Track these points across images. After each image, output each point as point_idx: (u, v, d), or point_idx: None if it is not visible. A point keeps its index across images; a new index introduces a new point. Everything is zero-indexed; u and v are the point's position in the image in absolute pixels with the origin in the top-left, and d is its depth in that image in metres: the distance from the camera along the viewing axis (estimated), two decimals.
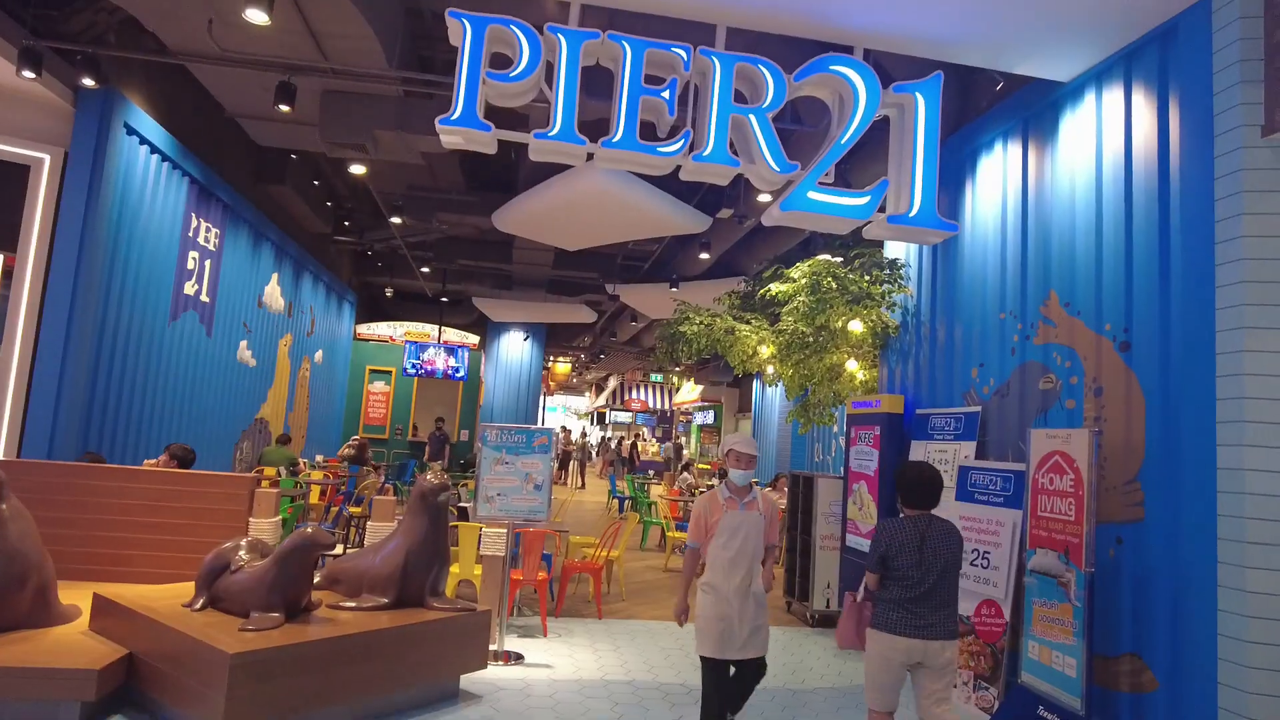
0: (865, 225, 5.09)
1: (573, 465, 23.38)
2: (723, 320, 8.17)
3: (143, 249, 8.08)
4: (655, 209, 8.67)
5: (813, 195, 4.84)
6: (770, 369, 9.00)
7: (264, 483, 9.30)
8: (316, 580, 4.99)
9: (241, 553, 4.57)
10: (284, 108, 6.54)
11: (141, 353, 8.21)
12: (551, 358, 27.46)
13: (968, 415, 6.18)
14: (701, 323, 8.11)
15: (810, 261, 7.42)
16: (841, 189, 4.93)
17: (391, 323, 18.28)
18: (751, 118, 4.79)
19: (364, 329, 18.10)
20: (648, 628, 7.07)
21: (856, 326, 7.48)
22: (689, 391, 28.51)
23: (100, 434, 7.58)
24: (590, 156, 4.77)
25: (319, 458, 13.97)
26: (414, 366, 16.64)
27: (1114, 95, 5.03)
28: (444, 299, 16.20)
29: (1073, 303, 5.27)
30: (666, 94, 4.75)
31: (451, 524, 6.92)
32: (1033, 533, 4.89)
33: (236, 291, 10.68)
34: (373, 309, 19.13)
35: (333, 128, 7.41)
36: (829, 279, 7.17)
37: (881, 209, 5.03)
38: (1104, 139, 5.06)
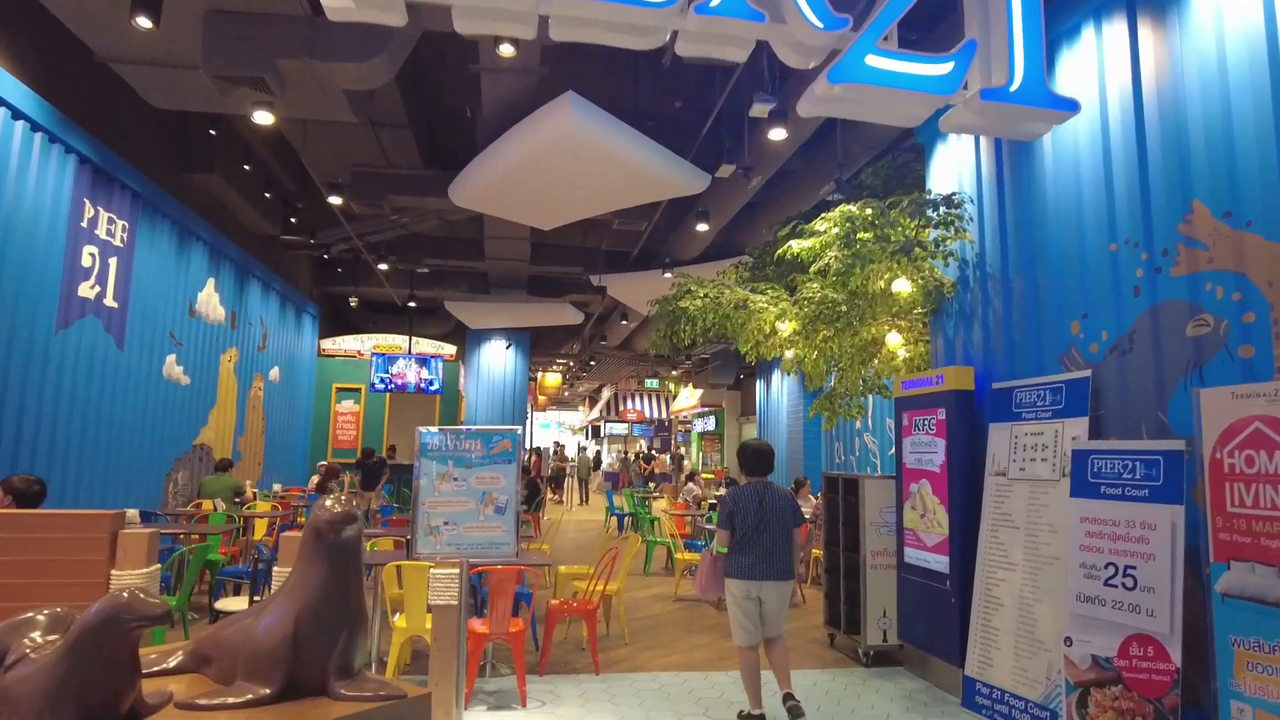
0: (944, 112, 3.57)
1: (569, 483, 21.82)
2: (732, 292, 6.63)
3: (7, 237, 6.50)
4: (642, 163, 7.17)
5: (873, 61, 3.32)
6: (790, 352, 7.45)
7: (209, 514, 7.79)
8: (177, 661, 3.40)
9: (36, 632, 2.96)
10: (144, 23, 4.99)
11: (13, 370, 6.61)
12: (540, 370, 25.89)
13: (1072, 384, 4.65)
14: (707, 295, 6.56)
15: (840, 209, 5.90)
16: (911, 53, 3.40)
17: (359, 336, 16.69)
18: None
19: (328, 344, 16.51)
20: (658, 682, 5.48)
21: (903, 287, 5.95)
22: (687, 397, 26.94)
23: None
24: (544, 20, 3.24)
25: (277, 486, 12.35)
26: (382, 381, 15.05)
27: None
28: (412, 304, 14.64)
29: (1236, 211, 3.75)
30: None
31: (392, 565, 5.35)
32: (1220, 539, 3.34)
33: (157, 297, 9.09)
34: (337, 322, 17.55)
35: (219, 56, 5.84)
36: (866, 230, 5.65)
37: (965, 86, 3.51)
38: None
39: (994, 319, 5.52)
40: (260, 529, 8.74)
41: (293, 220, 11.86)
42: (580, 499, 22.13)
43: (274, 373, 13.61)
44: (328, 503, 3.48)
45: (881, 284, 5.92)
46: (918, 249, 5.62)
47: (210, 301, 10.66)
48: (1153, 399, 4.13)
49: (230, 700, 3.02)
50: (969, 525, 5.24)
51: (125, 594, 2.72)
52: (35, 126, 6.76)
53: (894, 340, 6.77)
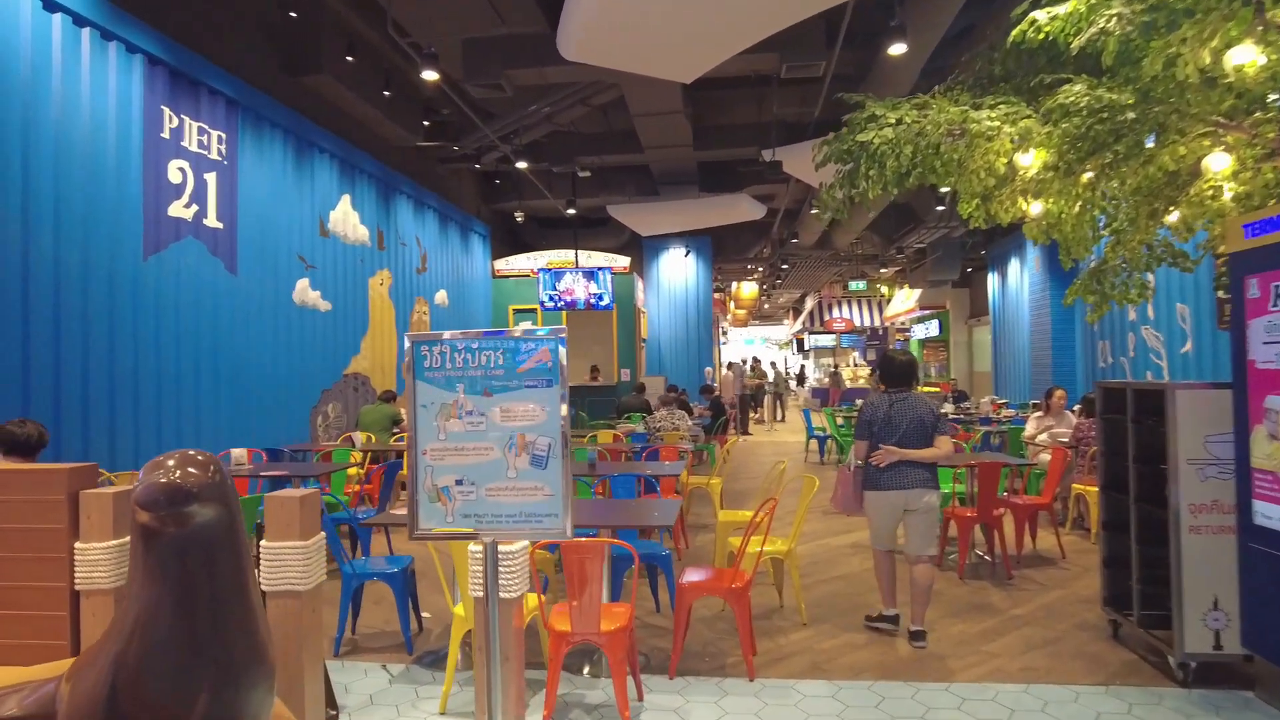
0: None
1: (768, 400, 20.00)
2: (941, 112, 4.30)
3: (66, 153, 5.72)
4: None
5: None
6: (1036, 206, 5.01)
7: (331, 452, 6.88)
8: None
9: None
10: None
11: (94, 302, 5.92)
12: (733, 281, 23.93)
13: None
14: (902, 122, 4.29)
15: None
16: None
17: (531, 254, 15.72)
18: None
19: (501, 264, 15.71)
20: (845, 696, 3.66)
21: (1245, 58, 3.41)
22: (903, 300, 23.78)
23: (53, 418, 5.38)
24: None
25: None
26: (551, 299, 13.95)
27: None
28: (571, 210, 13.27)
29: None
30: None
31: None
32: None
33: (276, 216, 8.31)
34: (511, 241, 16.70)
35: None
36: None
37: None
38: None
39: None
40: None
41: (425, 124, 10.73)
42: (778, 417, 20.27)
43: (440, 296, 12.93)
44: (156, 469, 2.01)
45: (1204, 60, 3.41)
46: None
47: (347, 220, 9.88)
48: None
49: None
50: None
51: None
52: (80, 20, 5.87)
53: (1219, 164, 4.15)
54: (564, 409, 2.62)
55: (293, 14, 8.12)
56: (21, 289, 5.34)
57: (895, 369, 4.52)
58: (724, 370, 17.92)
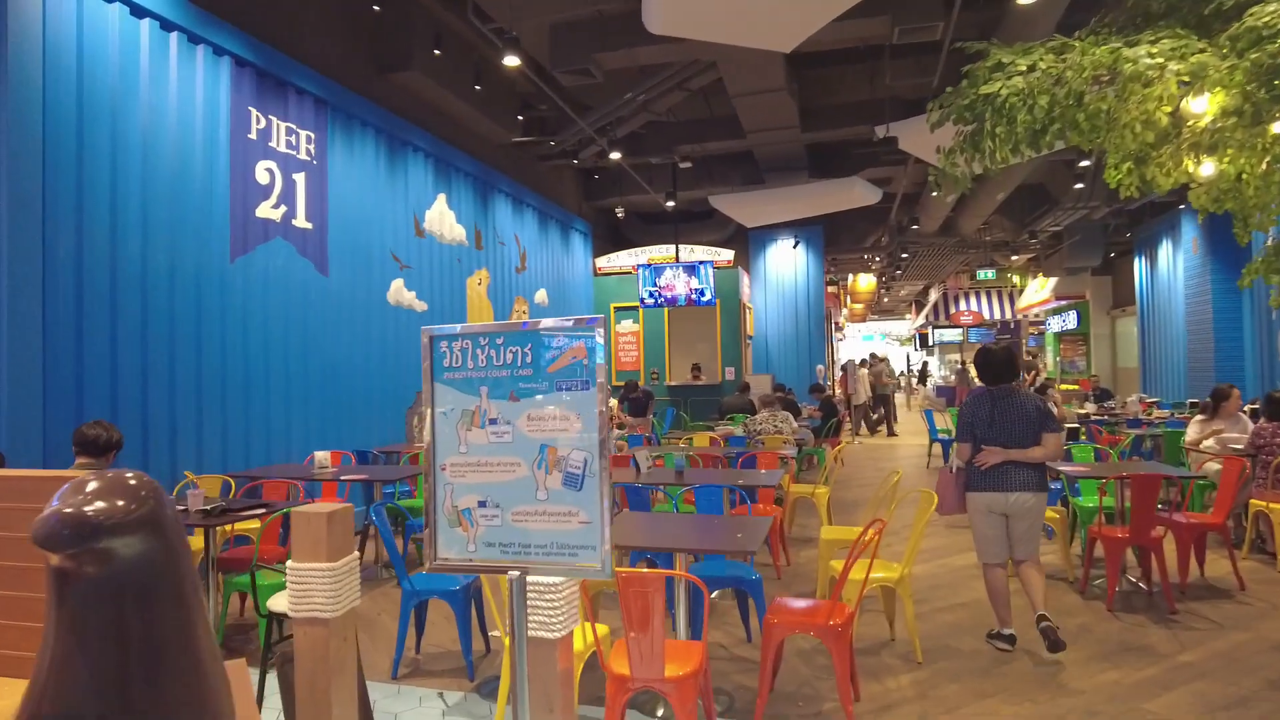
0: None
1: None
2: (1084, 54, 3.50)
3: (153, 156, 5.74)
4: None
5: None
6: (1208, 166, 4.12)
7: (419, 454, 6.52)
8: None
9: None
10: None
11: (181, 308, 5.92)
12: (849, 274, 22.78)
13: None
14: (1035, 68, 3.52)
15: None
16: None
17: (632, 250, 15.35)
18: None
19: (603, 262, 15.42)
20: None
21: None
22: (1037, 290, 21.96)
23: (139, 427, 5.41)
24: None
25: None
26: (651, 295, 13.50)
27: None
28: (670, 203, 12.75)
29: None
30: None
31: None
32: None
33: (368, 215, 8.26)
34: (613, 238, 16.39)
35: None
36: None
37: None
38: None
39: None
40: None
41: (519, 118, 10.51)
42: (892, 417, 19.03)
43: (540, 295, 12.76)
44: (76, 497, 1.64)
45: None
46: None
47: (444, 220, 9.77)
48: None
49: None
50: None
51: None
52: (167, 25, 5.89)
53: None
54: (603, 415, 2.12)
55: (376, 7, 8.02)
56: (110, 294, 5.36)
57: (995, 363, 4.31)
58: (859, 367, 17.08)
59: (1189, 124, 3.62)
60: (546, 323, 2.17)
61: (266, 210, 6.85)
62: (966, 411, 4.30)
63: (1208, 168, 4.09)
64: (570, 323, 2.15)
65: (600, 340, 2.12)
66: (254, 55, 6.68)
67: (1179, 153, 4.00)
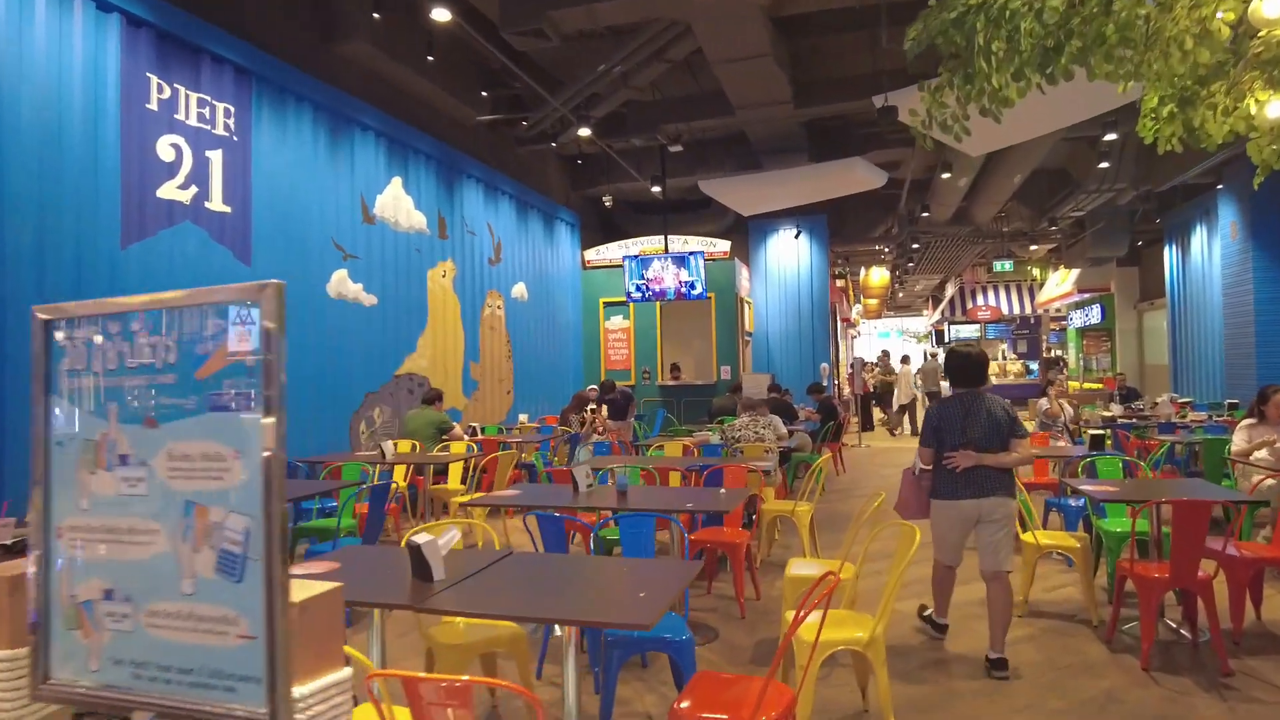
0: None
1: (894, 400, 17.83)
2: None
3: (15, 121, 4.93)
4: None
5: None
6: (1277, 105, 3.15)
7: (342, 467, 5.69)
8: None
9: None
10: None
11: (56, 299, 5.13)
12: (860, 267, 21.72)
13: None
14: None
15: None
16: None
17: (622, 242, 14.43)
18: None
19: (591, 254, 14.53)
20: None
21: None
22: (1058, 283, 20.81)
23: None
24: None
25: (522, 418, 10.62)
26: (639, 289, 12.57)
27: None
28: (656, 189, 11.82)
29: None
30: None
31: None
32: None
33: (304, 199, 7.43)
34: (604, 229, 15.48)
35: None
36: None
37: None
38: None
39: None
40: (399, 476, 6.76)
41: (484, 94, 9.65)
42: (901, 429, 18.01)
43: (518, 289, 11.90)
44: None
45: None
46: None
47: (399, 205, 8.94)
48: None
49: None
50: None
51: None
52: None
53: None
54: (279, 459, 1.25)
55: None
56: None
57: (970, 365, 4.18)
58: (901, 365, 16.32)
59: (1259, 36, 2.68)
60: (205, 293, 1.30)
61: (171, 190, 6.04)
62: (934, 415, 4.14)
63: (1276, 107, 3.14)
64: (237, 292, 1.28)
65: (272, 323, 1.25)
66: (153, 14, 5.86)
67: (1239, 87, 3.05)
